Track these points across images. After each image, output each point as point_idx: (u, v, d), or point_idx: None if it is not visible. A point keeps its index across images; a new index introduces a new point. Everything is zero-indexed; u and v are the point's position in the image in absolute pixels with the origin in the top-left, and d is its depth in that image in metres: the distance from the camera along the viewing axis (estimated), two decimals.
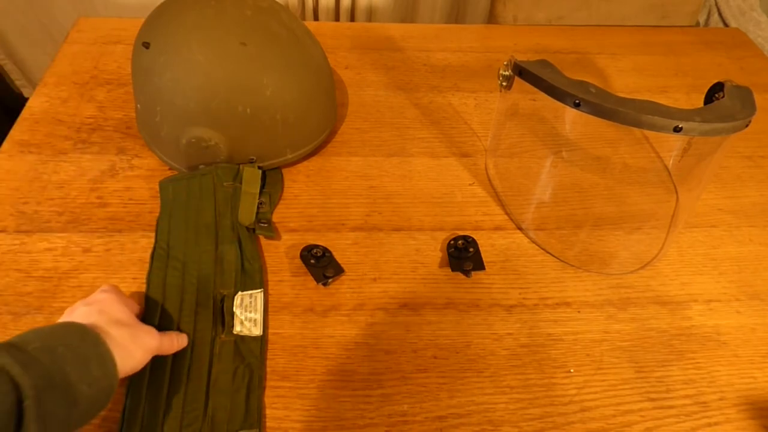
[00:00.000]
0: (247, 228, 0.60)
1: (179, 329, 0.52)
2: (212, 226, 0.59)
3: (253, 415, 0.47)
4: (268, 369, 0.51)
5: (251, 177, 0.63)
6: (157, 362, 0.49)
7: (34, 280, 0.56)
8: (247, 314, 0.53)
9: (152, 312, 0.53)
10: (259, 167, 0.64)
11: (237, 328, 0.52)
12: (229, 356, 0.51)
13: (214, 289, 0.55)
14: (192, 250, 0.57)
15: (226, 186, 0.62)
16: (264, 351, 0.52)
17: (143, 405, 0.47)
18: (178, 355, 0.50)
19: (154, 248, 0.58)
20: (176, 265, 0.56)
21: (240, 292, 0.55)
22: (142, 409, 0.47)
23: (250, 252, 0.58)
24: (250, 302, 0.54)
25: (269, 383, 0.50)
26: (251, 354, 0.51)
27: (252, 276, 0.56)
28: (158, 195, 0.63)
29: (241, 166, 0.63)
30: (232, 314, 0.53)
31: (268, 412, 0.48)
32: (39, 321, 0.53)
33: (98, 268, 0.57)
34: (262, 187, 0.65)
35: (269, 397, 0.49)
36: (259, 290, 0.55)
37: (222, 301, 0.54)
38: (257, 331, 0.53)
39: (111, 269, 0.57)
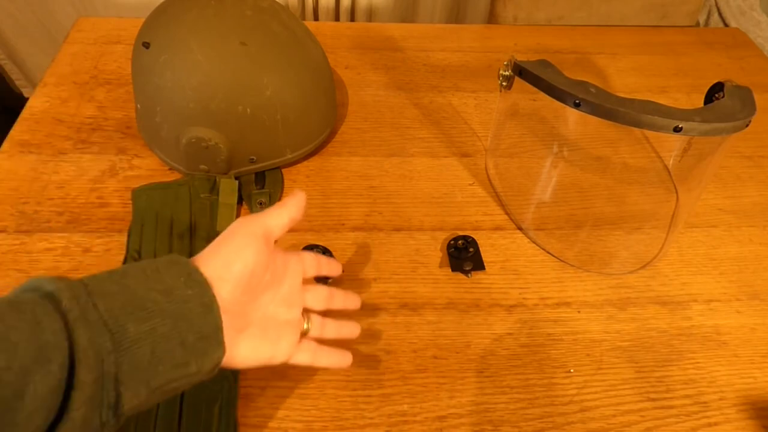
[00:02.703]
0: None
1: None
2: (187, 236, 0.59)
3: (227, 430, 0.47)
4: (268, 369, 0.51)
5: (228, 188, 0.62)
6: None
7: None
8: None
9: None
10: (259, 167, 0.64)
11: None
12: None
13: None
14: None
15: (203, 197, 0.62)
16: None
17: None
18: None
19: (126, 258, 0.57)
20: None
21: None
22: None
23: None
24: None
25: (269, 383, 0.50)
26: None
27: None
28: None
29: (217, 178, 0.63)
30: None
31: (268, 412, 0.48)
32: None
33: (98, 268, 0.56)
34: (262, 187, 0.65)
35: (269, 397, 0.49)
36: None
37: None
38: None
39: None
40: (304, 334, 0.41)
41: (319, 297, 0.42)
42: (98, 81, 0.77)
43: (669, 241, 0.63)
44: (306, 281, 0.42)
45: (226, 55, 0.58)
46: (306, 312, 0.41)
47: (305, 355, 0.41)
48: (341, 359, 0.44)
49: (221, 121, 0.59)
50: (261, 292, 0.37)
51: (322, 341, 0.43)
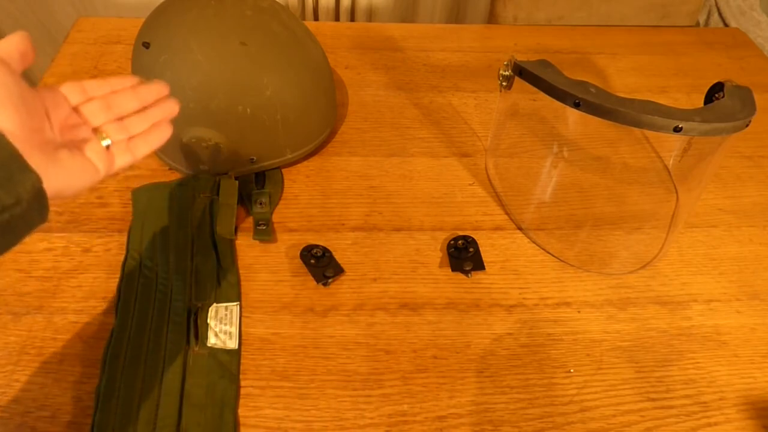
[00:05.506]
0: (231, 240, 0.59)
1: (150, 341, 0.51)
2: (188, 237, 0.58)
3: (227, 430, 0.47)
4: (268, 369, 0.51)
5: (228, 188, 0.62)
6: (128, 375, 0.48)
7: (34, 280, 0.56)
8: (223, 326, 0.53)
9: (123, 322, 0.52)
10: (259, 167, 0.64)
11: (211, 340, 0.52)
12: (203, 369, 0.50)
13: (189, 301, 0.54)
14: (165, 261, 0.56)
15: (203, 197, 0.62)
16: (239, 365, 0.51)
17: (113, 419, 0.46)
18: (149, 367, 0.49)
19: (126, 258, 0.57)
20: (148, 275, 0.55)
21: (215, 304, 0.54)
22: (112, 423, 0.46)
23: (227, 264, 0.57)
24: (226, 315, 0.54)
25: (269, 383, 0.50)
26: (226, 368, 0.50)
27: (228, 289, 0.56)
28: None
29: (218, 178, 0.63)
30: (207, 326, 0.52)
31: (268, 412, 0.48)
32: (39, 321, 0.53)
33: (98, 268, 0.57)
34: (262, 187, 0.65)
35: (269, 397, 0.49)
36: (235, 303, 0.55)
37: (196, 313, 0.53)
38: (233, 344, 0.52)
39: (111, 269, 0.57)
40: (109, 147, 0.39)
41: (96, 108, 0.39)
42: None
43: (669, 241, 0.63)
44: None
45: (226, 55, 0.58)
46: (97, 128, 0.39)
47: (124, 157, 0.40)
48: (160, 135, 0.43)
49: (221, 121, 0.59)
50: (44, 117, 0.35)
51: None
